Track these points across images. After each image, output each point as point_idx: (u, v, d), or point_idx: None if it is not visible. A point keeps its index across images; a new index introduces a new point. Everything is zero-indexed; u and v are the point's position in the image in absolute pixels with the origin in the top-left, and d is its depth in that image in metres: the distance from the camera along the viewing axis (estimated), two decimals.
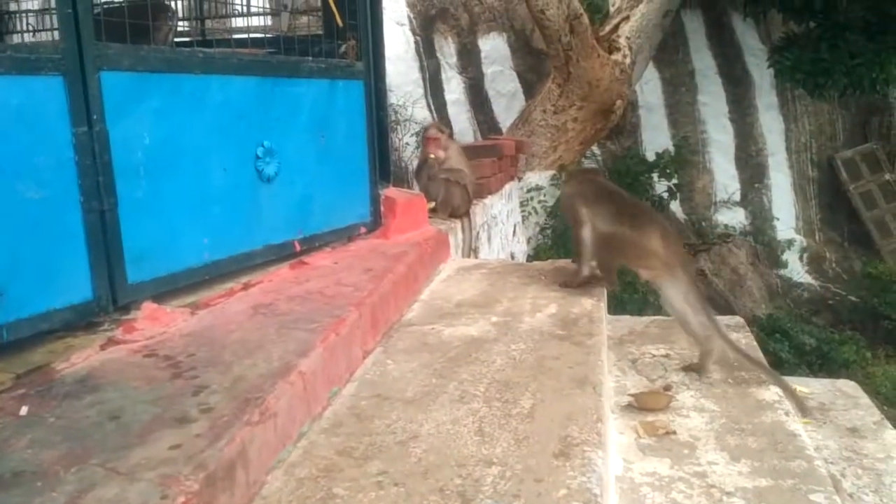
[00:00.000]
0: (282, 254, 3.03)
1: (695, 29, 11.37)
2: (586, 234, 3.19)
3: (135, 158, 2.37)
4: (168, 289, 2.51)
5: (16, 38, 4.47)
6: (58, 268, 2.14)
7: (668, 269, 2.91)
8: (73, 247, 2.19)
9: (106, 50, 2.27)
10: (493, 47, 10.80)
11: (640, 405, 2.59)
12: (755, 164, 11.42)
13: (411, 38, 10.10)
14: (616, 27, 8.61)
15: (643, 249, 2.98)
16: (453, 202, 4.29)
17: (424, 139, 4.48)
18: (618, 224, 3.05)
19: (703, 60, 11.38)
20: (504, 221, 5.75)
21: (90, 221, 2.22)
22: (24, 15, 4.69)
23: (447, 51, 10.50)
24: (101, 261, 2.26)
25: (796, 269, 10.82)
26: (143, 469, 1.49)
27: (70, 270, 2.18)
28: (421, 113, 9.13)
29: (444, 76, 10.29)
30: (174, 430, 1.65)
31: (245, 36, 4.29)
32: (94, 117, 2.22)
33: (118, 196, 2.30)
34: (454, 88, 10.34)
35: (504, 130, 9.41)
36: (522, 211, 6.90)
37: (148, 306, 2.38)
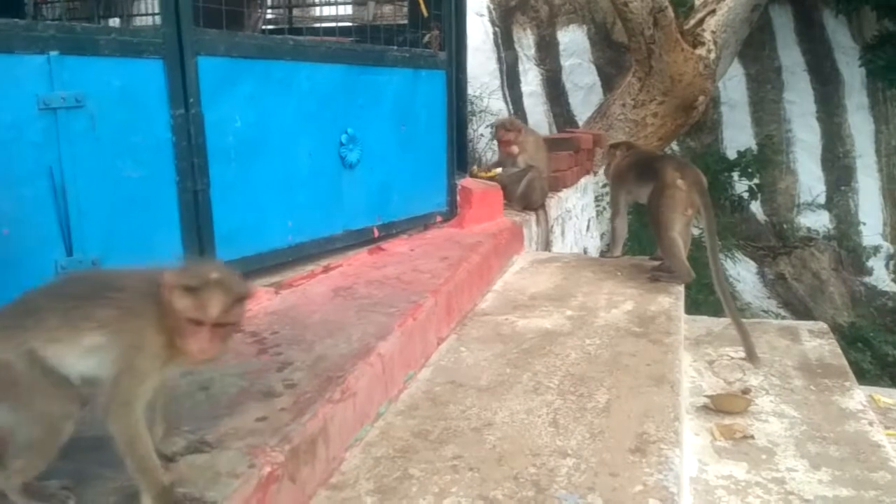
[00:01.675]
0: (361, 239, 3.09)
1: (783, 24, 10.98)
2: (619, 223, 3.77)
3: (227, 141, 2.46)
4: (254, 268, 2.59)
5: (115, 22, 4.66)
6: (152, 243, 2.24)
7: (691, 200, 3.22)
8: (167, 224, 2.29)
9: (203, 35, 2.35)
10: (572, 40, 10.66)
11: (716, 407, 2.54)
12: (842, 166, 10.95)
13: (490, 29, 10.08)
14: (701, 21, 8.39)
15: (666, 187, 3.22)
16: (532, 196, 4.26)
17: (499, 142, 4.42)
18: (649, 184, 3.37)
19: (791, 57, 10.97)
20: (578, 216, 5.70)
21: (184, 201, 2.31)
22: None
23: (525, 42, 10.43)
24: (193, 238, 2.35)
25: (881, 276, 10.35)
26: (232, 438, 1.55)
27: (164, 246, 2.27)
28: (497, 104, 9.09)
29: (521, 68, 10.23)
30: (260, 403, 1.72)
31: (332, 24, 4.36)
32: (191, 100, 2.30)
33: (210, 177, 2.39)
34: (531, 80, 10.27)
35: (580, 124, 9.29)
36: (597, 206, 6.80)
37: None
